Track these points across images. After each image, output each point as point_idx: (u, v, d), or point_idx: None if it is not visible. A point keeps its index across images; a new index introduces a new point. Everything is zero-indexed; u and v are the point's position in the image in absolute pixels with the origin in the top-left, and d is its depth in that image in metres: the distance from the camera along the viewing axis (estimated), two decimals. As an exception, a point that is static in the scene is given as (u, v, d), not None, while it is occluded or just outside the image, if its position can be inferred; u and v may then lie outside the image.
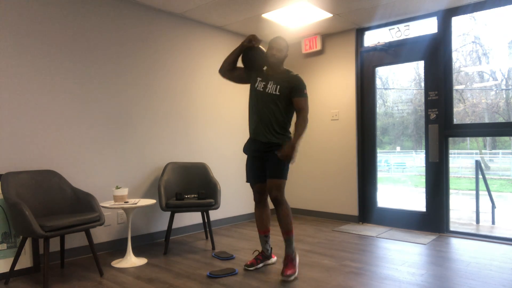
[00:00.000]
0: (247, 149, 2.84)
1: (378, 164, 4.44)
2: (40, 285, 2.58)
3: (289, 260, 2.70)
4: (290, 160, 2.63)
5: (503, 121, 4.62)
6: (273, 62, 2.69)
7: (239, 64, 2.83)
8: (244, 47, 2.74)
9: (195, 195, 3.51)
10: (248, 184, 4.82)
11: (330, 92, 4.68)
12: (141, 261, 3.05)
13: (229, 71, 2.81)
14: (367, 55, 4.43)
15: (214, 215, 4.31)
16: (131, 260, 3.01)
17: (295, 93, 2.65)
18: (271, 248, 2.96)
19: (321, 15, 3.96)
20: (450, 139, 3.90)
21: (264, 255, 2.92)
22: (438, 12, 3.86)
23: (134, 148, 3.58)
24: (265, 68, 2.80)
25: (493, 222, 4.93)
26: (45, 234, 2.40)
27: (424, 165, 4.00)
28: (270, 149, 2.68)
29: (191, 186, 3.73)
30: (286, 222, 2.74)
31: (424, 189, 4.03)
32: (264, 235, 2.92)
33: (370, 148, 4.43)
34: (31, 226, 2.37)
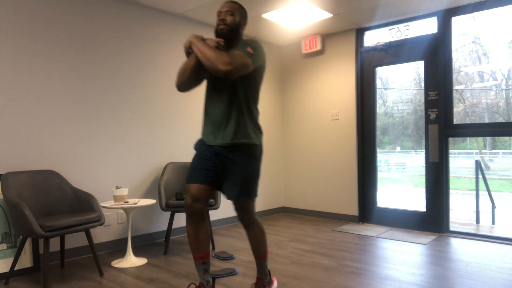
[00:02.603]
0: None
1: (378, 164, 4.44)
2: (40, 285, 2.58)
3: (259, 286, 2.22)
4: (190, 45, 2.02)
5: (503, 121, 4.62)
6: (222, 31, 2.05)
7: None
8: (189, 53, 2.08)
9: (195, 195, 3.51)
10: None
11: (330, 92, 4.68)
12: (141, 261, 3.05)
13: (192, 83, 2.11)
14: (367, 55, 4.43)
15: (214, 215, 4.31)
16: (131, 260, 3.01)
17: (237, 49, 2.00)
18: (213, 278, 2.24)
19: (321, 15, 3.96)
20: (450, 139, 3.90)
21: None
22: (438, 12, 3.86)
23: (134, 148, 3.58)
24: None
25: (493, 222, 4.93)
26: (45, 234, 2.40)
27: (424, 165, 4.00)
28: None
29: (191, 186, 3.73)
30: (258, 245, 2.21)
31: (424, 189, 4.03)
32: (202, 262, 2.09)
33: (370, 148, 4.43)
34: (31, 226, 2.37)
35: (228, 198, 2.10)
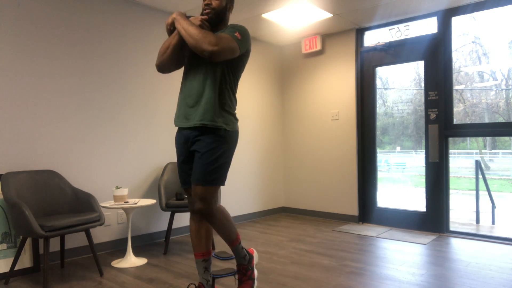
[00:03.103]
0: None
1: (378, 164, 4.44)
2: (40, 285, 2.58)
3: (242, 274, 2.15)
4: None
5: (503, 121, 4.62)
6: (208, 15, 1.97)
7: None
8: (171, 31, 2.02)
9: (195, 195, 3.51)
10: (248, 183, 4.83)
11: (330, 92, 4.68)
12: (141, 261, 3.05)
13: (172, 64, 2.04)
14: (367, 55, 4.43)
15: (214, 215, 4.31)
16: (131, 260, 3.01)
17: (223, 32, 1.93)
18: (213, 278, 2.18)
19: (321, 15, 3.96)
20: (450, 139, 3.91)
21: None
22: (438, 12, 3.86)
23: (134, 148, 3.58)
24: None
25: (493, 222, 4.92)
26: (45, 234, 2.40)
27: (424, 165, 4.00)
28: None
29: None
30: (225, 232, 2.07)
31: (424, 189, 4.03)
32: (202, 259, 2.08)
33: (370, 148, 4.43)
34: (31, 226, 2.37)
35: (191, 180, 1.99)
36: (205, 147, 1.92)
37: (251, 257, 2.22)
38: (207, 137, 1.93)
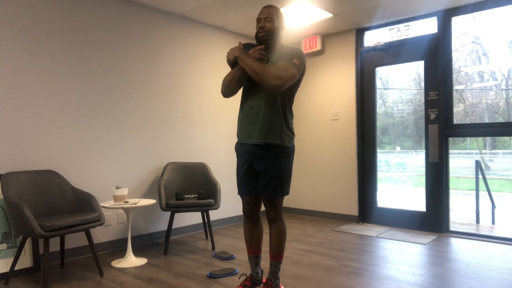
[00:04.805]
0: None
1: (378, 164, 4.44)
2: (40, 285, 2.58)
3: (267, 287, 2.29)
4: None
5: (503, 121, 4.62)
6: (263, 38, 2.14)
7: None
8: (233, 64, 2.20)
9: (195, 195, 3.51)
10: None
11: (330, 92, 4.68)
12: (141, 261, 3.05)
13: (236, 91, 2.25)
14: (367, 55, 4.43)
15: (214, 215, 4.31)
16: (131, 260, 3.01)
17: (281, 58, 2.09)
18: (262, 271, 2.44)
19: (321, 15, 3.96)
20: (450, 139, 3.91)
21: (253, 281, 2.37)
22: (438, 12, 3.86)
23: (134, 148, 3.58)
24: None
25: (493, 222, 4.92)
26: (45, 234, 2.40)
27: (424, 165, 4.00)
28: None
29: (191, 186, 3.73)
30: (277, 244, 2.30)
31: (424, 189, 4.03)
32: (254, 256, 2.38)
33: (370, 148, 4.43)
34: (31, 226, 2.37)
35: (261, 194, 2.24)
36: (273, 163, 2.16)
37: (279, 286, 2.38)
38: (273, 154, 2.16)
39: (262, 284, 2.31)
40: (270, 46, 2.18)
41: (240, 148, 2.27)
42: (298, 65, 2.07)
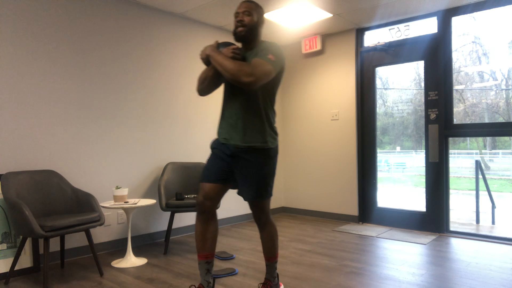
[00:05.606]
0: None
1: (378, 164, 4.44)
2: (40, 285, 2.58)
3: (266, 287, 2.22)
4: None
5: (503, 121, 4.62)
6: (241, 33, 2.04)
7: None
8: (207, 60, 2.10)
9: (195, 195, 3.51)
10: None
11: (330, 92, 4.68)
12: (141, 261, 3.05)
13: (211, 89, 2.17)
14: (367, 55, 4.43)
15: (214, 215, 4.31)
16: (131, 260, 3.01)
17: (257, 55, 1.98)
18: (214, 280, 2.15)
19: (321, 15, 3.96)
20: (450, 139, 3.91)
21: None
22: (438, 12, 3.86)
23: (134, 148, 3.58)
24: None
25: (493, 222, 4.93)
26: (45, 234, 2.40)
27: (424, 165, 4.00)
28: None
29: (191, 186, 3.73)
30: (269, 246, 2.21)
31: (424, 189, 4.03)
32: (205, 261, 2.08)
33: (370, 148, 4.43)
34: (31, 226, 2.37)
35: (245, 199, 2.13)
36: (256, 166, 2.05)
37: (278, 285, 2.32)
38: (256, 156, 2.05)
39: (262, 284, 2.25)
40: (248, 42, 2.07)
41: (219, 145, 2.12)
42: (274, 61, 1.94)
